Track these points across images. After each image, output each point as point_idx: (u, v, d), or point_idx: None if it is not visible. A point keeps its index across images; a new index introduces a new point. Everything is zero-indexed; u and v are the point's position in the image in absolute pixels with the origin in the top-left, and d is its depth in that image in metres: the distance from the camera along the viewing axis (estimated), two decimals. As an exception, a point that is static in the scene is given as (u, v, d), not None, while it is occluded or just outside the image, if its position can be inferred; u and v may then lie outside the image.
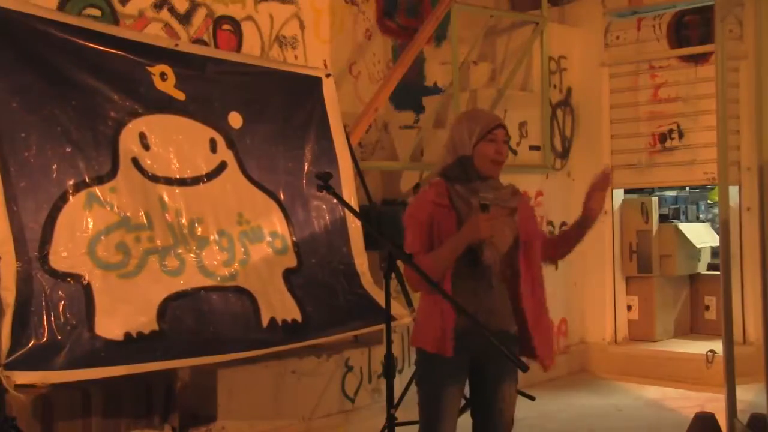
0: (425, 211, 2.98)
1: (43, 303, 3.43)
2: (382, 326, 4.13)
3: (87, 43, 3.81)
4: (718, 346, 5.66)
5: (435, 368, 2.98)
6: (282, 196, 4.48)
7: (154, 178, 3.93)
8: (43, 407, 3.81)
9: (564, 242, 3.23)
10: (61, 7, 4.46)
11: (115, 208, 3.73)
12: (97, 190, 3.67)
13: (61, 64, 3.70)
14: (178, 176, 4.03)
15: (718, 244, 6.46)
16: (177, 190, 4.00)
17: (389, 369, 2.99)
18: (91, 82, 3.78)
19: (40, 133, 3.55)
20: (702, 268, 7.40)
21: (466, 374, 3.06)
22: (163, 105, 4.05)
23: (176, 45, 4.26)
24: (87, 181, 3.66)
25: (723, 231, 4.60)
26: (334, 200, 3.57)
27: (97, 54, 3.83)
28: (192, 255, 3.96)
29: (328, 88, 4.83)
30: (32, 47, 3.60)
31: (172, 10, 4.95)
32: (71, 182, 3.61)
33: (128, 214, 3.76)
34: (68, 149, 3.62)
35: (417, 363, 3.10)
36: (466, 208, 2.96)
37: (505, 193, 3.07)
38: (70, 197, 3.59)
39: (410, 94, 6.51)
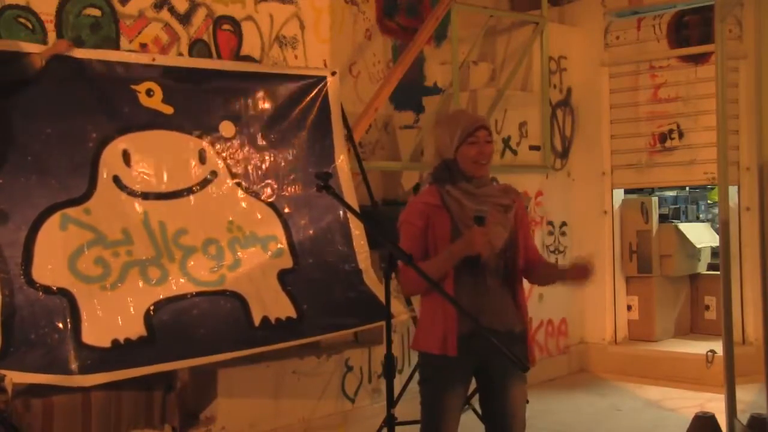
0: (420, 213, 3.00)
1: (30, 313, 3.59)
2: (381, 323, 4.15)
3: (65, 71, 3.93)
4: (718, 346, 5.66)
5: (439, 370, 2.98)
6: (279, 200, 4.50)
7: (136, 194, 4.07)
8: (43, 406, 3.82)
9: (545, 273, 3.19)
10: (60, 8, 4.46)
11: (90, 227, 3.88)
12: (71, 212, 3.84)
13: (36, 95, 3.84)
14: (162, 190, 4.15)
15: (718, 244, 6.46)
16: (161, 204, 4.12)
17: (389, 369, 2.99)
18: (70, 108, 3.93)
19: (12, 163, 3.73)
20: (702, 268, 7.40)
21: (470, 377, 3.06)
22: (149, 121, 4.17)
23: (153, 60, 4.32)
24: (60, 204, 3.83)
25: (723, 231, 4.60)
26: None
27: (77, 80, 3.97)
28: (176, 264, 4.06)
29: (333, 87, 4.84)
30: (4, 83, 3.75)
31: (172, 10, 4.94)
32: (46, 206, 3.79)
33: (104, 232, 3.91)
34: (40, 177, 3.80)
35: (420, 366, 3.10)
36: (458, 208, 2.97)
37: (496, 189, 3.09)
38: (46, 219, 3.78)
39: (410, 94, 6.51)
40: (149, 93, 4.18)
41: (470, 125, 2.99)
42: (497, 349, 2.68)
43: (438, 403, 2.98)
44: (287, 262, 4.41)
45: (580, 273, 3.02)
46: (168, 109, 4.22)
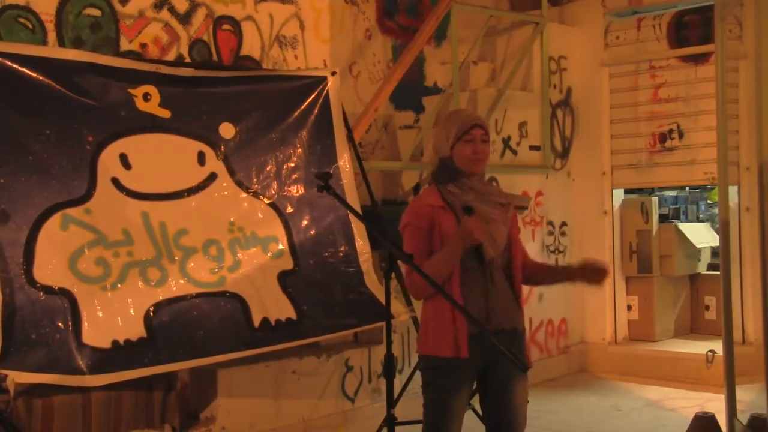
0: (423, 215, 2.99)
1: (31, 313, 3.59)
2: (381, 324, 4.14)
3: (62, 74, 3.93)
4: (718, 346, 5.67)
5: (449, 372, 2.96)
6: (280, 200, 4.50)
7: (136, 195, 4.06)
8: (42, 406, 3.82)
9: (545, 275, 3.26)
10: (61, 8, 4.46)
11: (91, 228, 3.88)
12: (71, 212, 3.83)
13: (34, 97, 3.84)
14: (162, 191, 4.15)
15: (718, 244, 6.46)
16: (161, 204, 4.12)
17: (389, 369, 2.99)
18: (67, 111, 3.93)
19: (13, 162, 3.72)
20: (702, 268, 7.40)
21: (475, 377, 3.05)
22: (146, 125, 4.17)
23: (157, 68, 4.31)
24: (61, 204, 3.83)
25: (723, 231, 4.60)
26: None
27: (74, 83, 3.96)
28: (176, 265, 4.06)
29: (334, 87, 4.84)
30: (3, 84, 3.74)
31: (172, 10, 4.95)
32: (46, 206, 3.78)
33: (105, 232, 3.90)
34: (41, 176, 3.79)
35: (424, 369, 3.07)
36: (461, 205, 2.97)
37: (494, 188, 3.11)
38: (47, 219, 3.77)
39: (410, 94, 6.51)
40: (146, 97, 4.18)
41: (465, 123, 3.00)
42: (500, 349, 2.70)
43: (445, 405, 2.97)
44: (288, 264, 4.41)
45: (595, 274, 3.04)
46: (165, 113, 4.22)
